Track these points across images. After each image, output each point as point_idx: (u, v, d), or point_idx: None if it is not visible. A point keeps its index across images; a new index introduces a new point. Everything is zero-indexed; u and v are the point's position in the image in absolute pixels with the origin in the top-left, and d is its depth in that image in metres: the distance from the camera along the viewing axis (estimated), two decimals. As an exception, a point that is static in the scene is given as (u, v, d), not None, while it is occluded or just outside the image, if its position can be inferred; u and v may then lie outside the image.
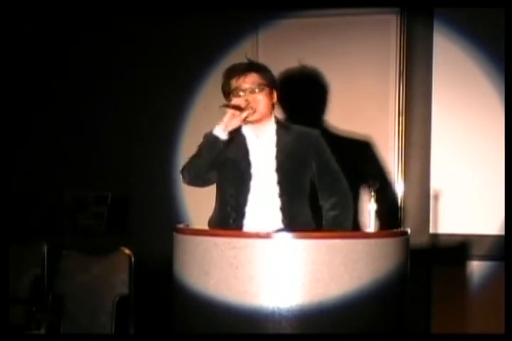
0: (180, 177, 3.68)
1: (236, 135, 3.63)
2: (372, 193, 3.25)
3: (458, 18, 5.22)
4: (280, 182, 3.58)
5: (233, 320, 3.00)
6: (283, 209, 3.58)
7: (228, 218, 3.58)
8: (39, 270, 4.93)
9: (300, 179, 3.64)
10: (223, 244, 3.04)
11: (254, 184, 3.59)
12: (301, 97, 5.32)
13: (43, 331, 4.65)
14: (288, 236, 3.08)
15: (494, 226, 5.03)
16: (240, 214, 3.57)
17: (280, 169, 3.59)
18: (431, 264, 5.18)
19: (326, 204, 3.70)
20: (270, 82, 3.64)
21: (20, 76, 6.09)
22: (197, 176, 3.60)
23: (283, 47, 5.54)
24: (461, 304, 5.21)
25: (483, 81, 5.18)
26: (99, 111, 6.03)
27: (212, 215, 3.71)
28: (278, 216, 3.58)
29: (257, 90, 3.59)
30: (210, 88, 5.78)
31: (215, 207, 3.71)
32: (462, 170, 5.22)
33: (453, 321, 5.17)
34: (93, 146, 6.02)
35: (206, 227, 3.63)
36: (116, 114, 5.98)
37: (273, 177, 3.59)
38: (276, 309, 2.97)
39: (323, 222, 3.69)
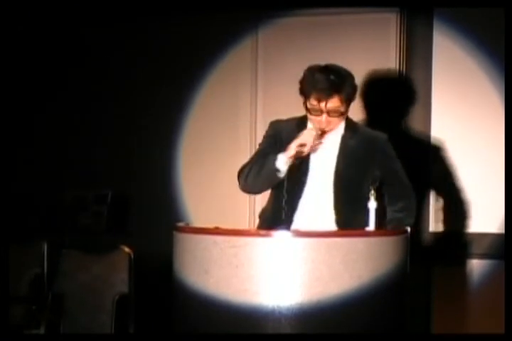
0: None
1: (298, 129, 3.56)
2: (372, 192, 3.26)
3: (458, 18, 5.22)
4: (337, 190, 3.52)
5: (233, 319, 3.01)
6: (337, 216, 3.52)
7: (279, 220, 3.53)
8: (39, 269, 4.93)
9: (359, 185, 3.54)
10: (223, 243, 3.05)
11: (308, 190, 3.54)
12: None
13: (42, 330, 4.65)
14: (288, 234, 3.09)
15: (494, 225, 5.02)
16: (290, 219, 3.52)
17: (339, 176, 3.53)
18: (431, 263, 5.18)
19: (393, 206, 3.62)
20: (349, 99, 3.50)
21: (20, 76, 6.08)
22: (253, 188, 3.61)
23: (283, 46, 5.54)
24: (461, 303, 5.21)
25: (483, 80, 5.18)
26: (99, 110, 6.02)
27: (265, 208, 3.68)
28: (331, 222, 3.52)
29: (335, 114, 3.47)
30: (210, 87, 5.79)
31: (268, 202, 3.68)
32: (462, 169, 5.22)
33: (453, 320, 5.17)
34: (93, 145, 6.02)
35: (207, 226, 3.62)
36: (116, 114, 5.97)
37: (330, 184, 3.53)
38: (276, 307, 2.98)
39: (388, 221, 3.60)
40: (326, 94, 3.42)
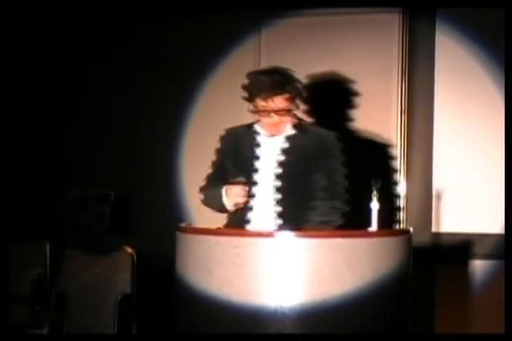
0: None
1: (248, 132, 3.64)
2: (375, 192, 3.26)
3: (460, 17, 5.23)
4: (282, 189, 3.54)
5: (236, 319, 3.01)
6: (283, 215, 3.54)
7: (240, 222, 3.57)
8: (41, 269, 4.92)
9: (308, 185, 3.58)
10: (226, 243, 3.05)
11: (260, 190, 3.57)
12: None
13: (45, 330, 4.64)
14: (290, 235, 3.09)
15: (496, 225, 5.03)
16: (246, 220, 3.56)
17: (285, 176, 3.55)
18: (433, 263, 5.18)
19: (314, 210, 3.59)
20: (295, 98, 3.55)
21: (20, 75, 6.09)
22: (209, 208, 3.74)
23: (286, 46, 5.54)
24: (464, 303, 5.21)
25: (485, 80, 5.19)
26: (101, 110, 6.03)
27: (228, 216, 3.72)
28: (279, 222, 3.54)
29: (284, 113, 3.52)
30: (213, 87, 5.79)
31: None
32: (464, 169, 5.22)
33: (455, 320, 5.17)
34: (96, 145, 6.03)
35: (210, 226, 3.62)
36: (118, 113, 5.98)
37: (276, 183, 3.55)
38: (278, 308, 2.98)
39: (307, 222, 3.57)
40: (272, 93, 3.48)
